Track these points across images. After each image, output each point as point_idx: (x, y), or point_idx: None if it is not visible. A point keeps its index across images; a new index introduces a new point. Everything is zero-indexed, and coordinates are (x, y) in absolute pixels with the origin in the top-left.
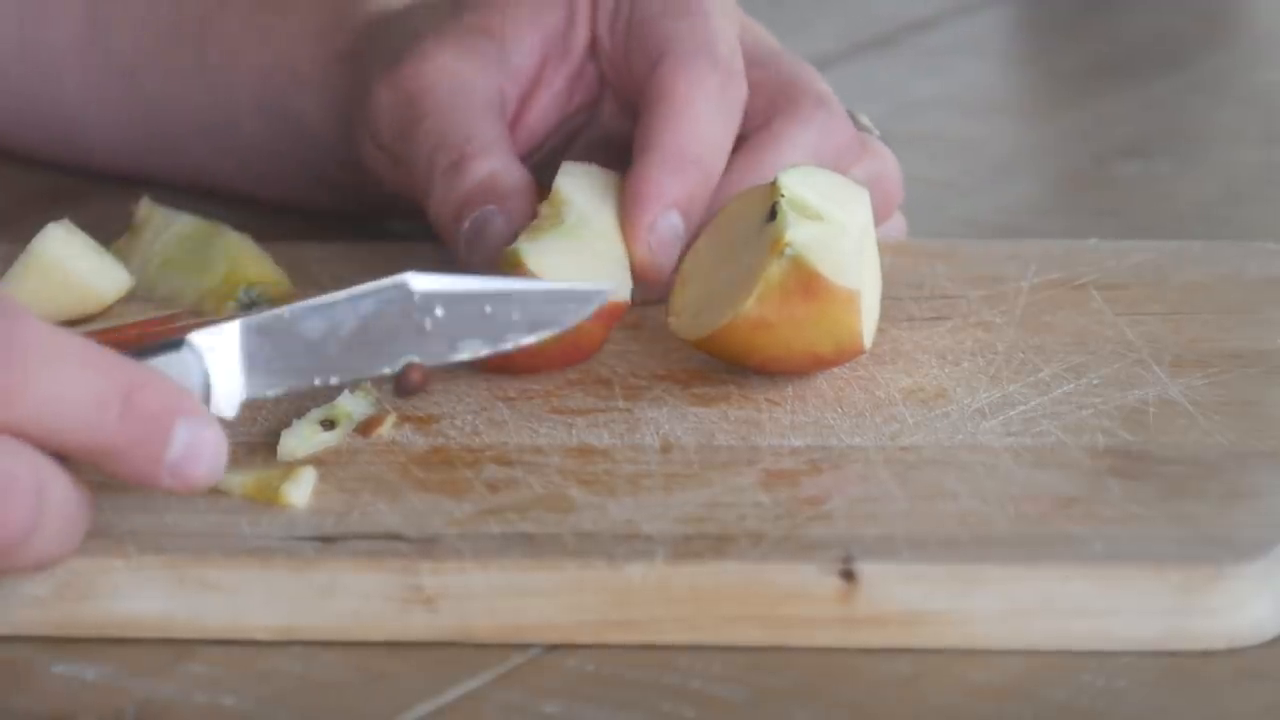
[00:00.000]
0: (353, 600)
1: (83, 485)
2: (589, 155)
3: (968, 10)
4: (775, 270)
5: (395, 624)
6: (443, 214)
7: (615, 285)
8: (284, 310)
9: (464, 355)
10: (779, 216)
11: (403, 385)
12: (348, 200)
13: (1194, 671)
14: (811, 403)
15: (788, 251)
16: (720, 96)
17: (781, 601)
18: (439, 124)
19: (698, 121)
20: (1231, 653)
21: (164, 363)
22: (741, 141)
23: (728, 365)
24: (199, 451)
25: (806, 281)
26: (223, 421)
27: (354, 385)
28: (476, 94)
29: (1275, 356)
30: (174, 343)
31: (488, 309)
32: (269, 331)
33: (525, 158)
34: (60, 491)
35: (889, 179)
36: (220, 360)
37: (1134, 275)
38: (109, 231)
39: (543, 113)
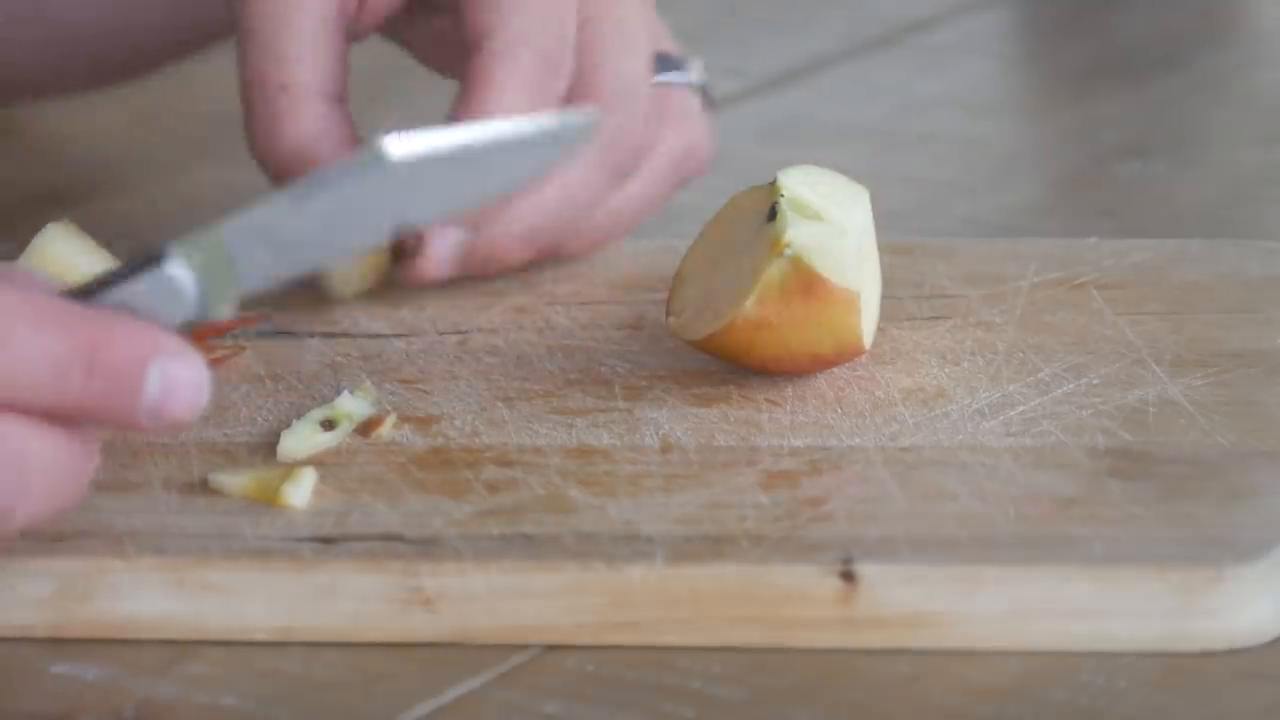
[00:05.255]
0: (352, 601)
1: (80, 437)
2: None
3: (968, 10)
4: (775, 270)
5: (395, 625)
6: (259, 160)
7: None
8: (261, 206)
9: (457, 208)
10: (779, 216)
11: (399, 252)
12: None
13: (1194, 672)
14: (811, 403)
15: (787, 252)
16: (529, 92)
17: (781, 603)
18: (258, 57)
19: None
20: (1231, 653)
21: (148, 281)
22: None
23: (728, 365)
24: (175, 390)
25: (806, 282)
26: (221, 422)
27: (354, 386)
28: (304, 17)
29: (1275, 356)
30: (155, 257)
31: (472, 159)
32: (250, 229)
33: (380, 28)
34: (42, 449)
35: (695, 153)
36: (206, 265)
37: (1134, 275)
38: (109, 231)
39: None
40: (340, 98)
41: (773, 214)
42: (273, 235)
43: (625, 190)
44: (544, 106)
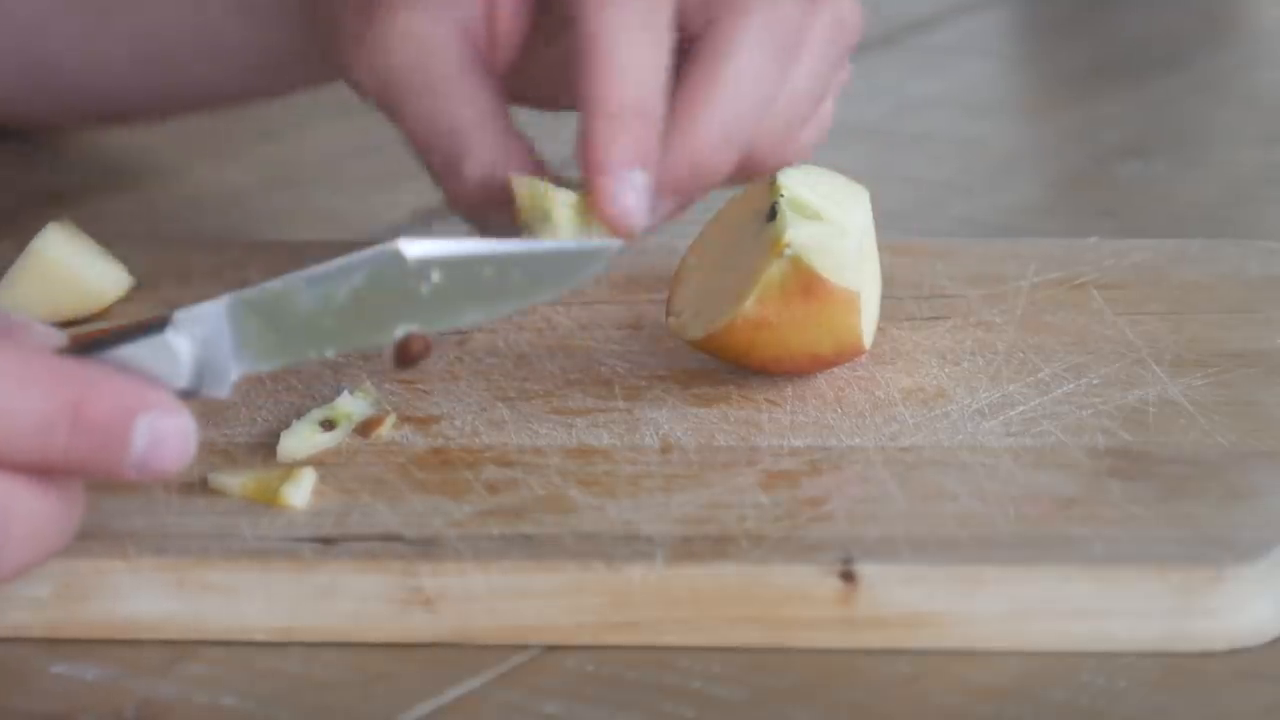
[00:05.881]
0: (352, 601)
1: (64, 487)
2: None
3: (969, 10)
4: (775, 270)
5: (395, 625)
6: (455, 210)
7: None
8: (274, 283)
9: (465, 321)
10: (779, 216)
11: (403, 355)
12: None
13: (1194, 672)
14: (811, 403)
15: (787, 252)
16: (644, 25)
17: (781, 603)
18: (420, 119)
19: (627, 66)
20: (1232, 653)
21: (146, 347)
22: (687, 50)
23: (728, 365)
24: (162, 442)
25: (806, 282)
26: (221, 422)
27: (354, 386)
28: (448, 60)
29: (1275, 356)
30: (158, 324)
31: (487, 272)
32: (258, 306)
33: (513, 64)
34: (25, 504)
35: (847, 23)
36: (208, 339)
37: (1134, 275)
38: (109, 232)
39: (513, 10)
40: (507, 126)
41: (773, 214)
42: (282, 317)
43: (795, 78)
44: (655, 42)
